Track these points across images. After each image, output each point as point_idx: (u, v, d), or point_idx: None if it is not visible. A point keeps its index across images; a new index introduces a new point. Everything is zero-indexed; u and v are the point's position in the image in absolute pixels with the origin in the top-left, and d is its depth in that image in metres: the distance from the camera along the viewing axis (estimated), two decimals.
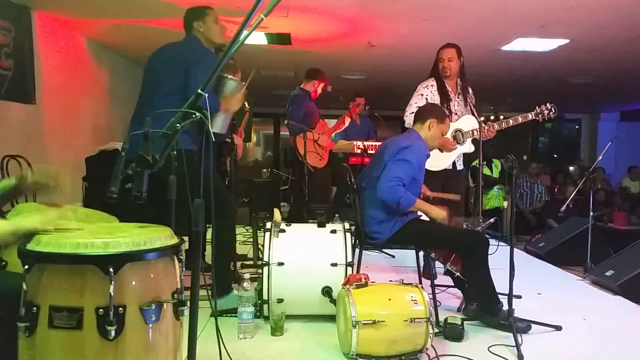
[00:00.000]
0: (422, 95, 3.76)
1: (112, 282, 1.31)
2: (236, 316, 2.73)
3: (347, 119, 5.29)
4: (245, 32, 1.58)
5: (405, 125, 3.79)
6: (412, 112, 3.69)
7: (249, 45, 5.43)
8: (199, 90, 1.61)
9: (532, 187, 8.07)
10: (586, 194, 5.65)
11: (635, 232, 6.52)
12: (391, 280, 2.71)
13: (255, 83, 3.86)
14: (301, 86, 5.00)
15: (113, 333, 1.32)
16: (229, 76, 3.26)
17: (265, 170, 6.37)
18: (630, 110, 11.56)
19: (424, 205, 3.03)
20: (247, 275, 2.77)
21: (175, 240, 1.49)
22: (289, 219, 5.29)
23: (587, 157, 12.09)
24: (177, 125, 1.58)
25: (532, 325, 2.89)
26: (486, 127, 3.62)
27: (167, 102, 2.71)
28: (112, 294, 1.30)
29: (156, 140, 1.54)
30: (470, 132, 3.67)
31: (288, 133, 4.97)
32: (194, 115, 1.54)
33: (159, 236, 1.43)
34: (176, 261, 1.48)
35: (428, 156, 3.15)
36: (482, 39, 5.37)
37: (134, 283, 1.37)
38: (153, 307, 1.38)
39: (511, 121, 3.66)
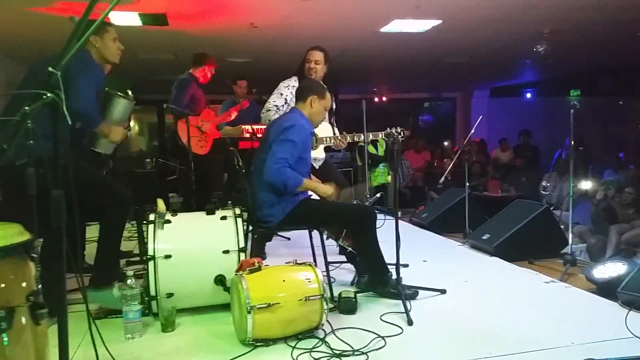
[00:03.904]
0: (281, 94, 3.71)
1: None
2: (121, 317, 2.55)
3: (234, 113, 5.17)
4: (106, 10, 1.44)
5: (262, 121, 3.76)
6: (268, 110, 3.66)
7: (122, 26, 5.05)
8: (50, 69, 1.44)
9: (401, 165, 8.70)
10: (462, 166, 6.05)
11: (507, 198, 7.16)
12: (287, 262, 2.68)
13: (133, 67, 3.56)
14: (189, 71, 4.79)
15: None
16: (119, 94, 3.00)
17: (148, 160, 6.00)
18: (499, 87, 12.64)
19: (311, 184, 3.05)
20: (130, 272, 2.59)
21: (25, 237, 1.31)
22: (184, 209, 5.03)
23: (461, 133, 13.04)
24: (26, 108, 1.40)
25: (419, 291, 3.04)
26: (339, 137, 3.77)
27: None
28: None
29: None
30: (324, 139, 3.73)
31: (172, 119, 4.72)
32: (44, 97, 1.37)
33: (3, 234, 1.25)
34: (29, 260, 1.30)
35: (313, 133, 3.16)
36: (362, 20, 5.48)
37: None
38: (3, 313, 1.20)
39: (362, 136, 3.87)
